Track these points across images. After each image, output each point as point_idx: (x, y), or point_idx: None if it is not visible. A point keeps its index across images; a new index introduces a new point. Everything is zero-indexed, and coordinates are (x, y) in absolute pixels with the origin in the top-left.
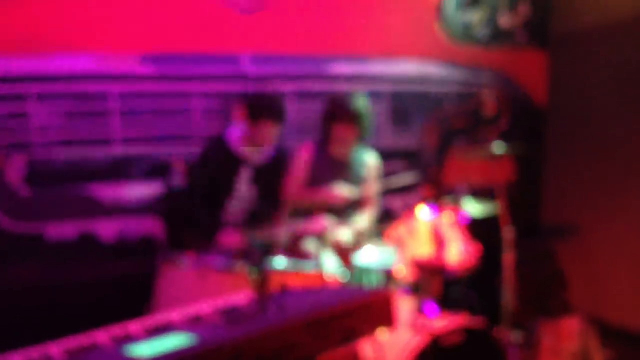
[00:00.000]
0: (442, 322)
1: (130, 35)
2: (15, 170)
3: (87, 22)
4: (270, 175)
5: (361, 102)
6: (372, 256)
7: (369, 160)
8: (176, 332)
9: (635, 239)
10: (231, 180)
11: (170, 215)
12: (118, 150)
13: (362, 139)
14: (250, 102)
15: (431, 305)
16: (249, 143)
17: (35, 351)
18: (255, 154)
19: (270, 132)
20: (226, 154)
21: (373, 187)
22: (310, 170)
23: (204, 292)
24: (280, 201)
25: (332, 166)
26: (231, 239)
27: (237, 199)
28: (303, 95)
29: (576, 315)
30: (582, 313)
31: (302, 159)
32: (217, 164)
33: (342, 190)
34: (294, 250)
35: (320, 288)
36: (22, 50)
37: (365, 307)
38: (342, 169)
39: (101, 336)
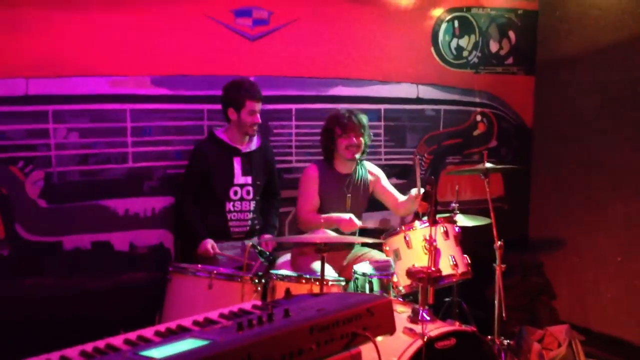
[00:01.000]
0: (436, 328)
1: (142, 58)
2: (34, 185)
3: (102, 46)
4: (260, 161)
5: (361, 115)
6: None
7: (370, 168)
8: (188, 337)
9: (617, 251)
10: (228, 169)
11: (179, 226)
12: (131, 166)
13: (363, 151)
14: (230, 96)
15: (425, 313)
16: (241, 130)
17: (53, 356)
18: (245, 141)
19: (255, 110)
20: (219, 146)
21: (389, 185)
22: (319, 188)
23: (213, 300)
24: (279, 197)
25: (339, 181)
26: (207, 247)
27: (237, 187)
28: (305, 115)
29: (563, 324)
30: (569, 321)
31: (310, 180)
32: (212, 156)
33: (356, 220)
34: (297, 262)
35: (324, 294)
36: (42, 72)
37: (368, 313)
38: (349, 183)
39: (116, 341)
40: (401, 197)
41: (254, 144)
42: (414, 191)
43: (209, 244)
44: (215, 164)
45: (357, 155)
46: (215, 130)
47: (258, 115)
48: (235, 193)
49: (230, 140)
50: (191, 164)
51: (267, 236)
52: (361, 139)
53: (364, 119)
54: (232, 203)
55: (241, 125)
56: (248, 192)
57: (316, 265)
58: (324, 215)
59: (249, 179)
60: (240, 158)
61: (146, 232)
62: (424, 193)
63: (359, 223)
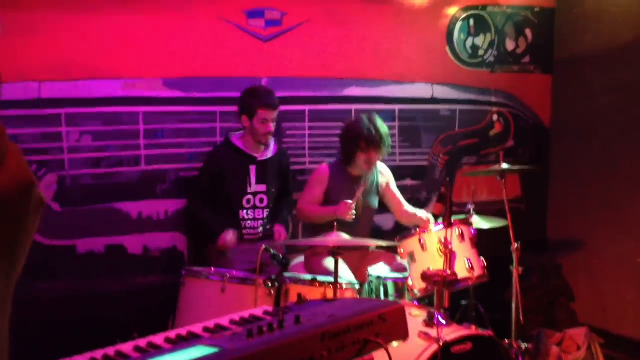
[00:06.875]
0: (452, 332)
1: (154, 60)
2: (48, 188)
3: (114, 49)
4: (275, 168)
5: (384, 127)
6: (386, 269)
7: (381, 169)
8: (198, 344)
9: (637, 252)
10: (242, 177)
11: (191, 227)
12: (144, 169)
13: (382, 159)
14: (244, 103)
15: (441, 316)
16: (254, 138)
17: None
18: (261, 149)
19: (267, 119)
20: (235, 153)
21: (397, 190)
22: (328, 188)
23: (226, 304)
24: (291, 197)
25: (351, 183)
26: (228, 238)
27: (251, 195)
28: (318, 116)
29: (582, 327)
30: (588, 324)
31: (319, 179)
32: (227, 163)
33: (348, 202)
34: (311, 263)
35: (336, 300)
36: (55, 75)
37: (380, 320)
38: (359, 183)
39: (126, 348)
40: (407, 206)
41: (270, 152)
42: (424, 214)
43: (230, 234)
44: (230, 171)
45: (370, 169)
46: (232, 136)
47: (271, 125)
48: (248, 201)
49: (246, 147)
50: (205, 167)
51: (280, 229)
52: (378, 156)
53: (386, 135)
54: (245, 211)
55: (254, 134)
56: (261, 200)
57: (329, 262)
58: (318, 207)
59: (263, 187)
60: (256, 166)
61: (159, 235)
62: (438, 194)
63: (351, 205)
